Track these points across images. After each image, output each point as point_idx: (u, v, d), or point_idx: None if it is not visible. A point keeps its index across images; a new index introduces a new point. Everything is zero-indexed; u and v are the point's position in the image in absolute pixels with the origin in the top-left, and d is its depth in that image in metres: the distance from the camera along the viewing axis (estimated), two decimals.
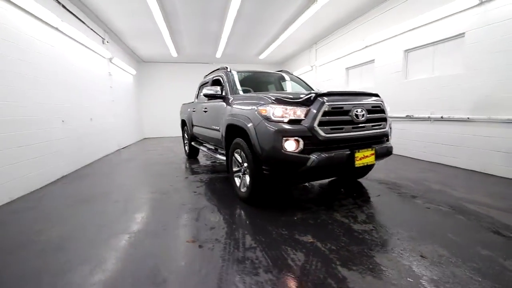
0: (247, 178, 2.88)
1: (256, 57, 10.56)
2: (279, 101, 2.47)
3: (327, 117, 2.40)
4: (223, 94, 3.60)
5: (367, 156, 2.55)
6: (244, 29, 7.15)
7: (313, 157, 2.34)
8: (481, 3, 3.74)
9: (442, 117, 4.47)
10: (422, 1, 4.72)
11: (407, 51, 5.26)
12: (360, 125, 2.58)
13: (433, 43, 4.68)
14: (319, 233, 2.22)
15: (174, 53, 9.49)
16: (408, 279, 1.59)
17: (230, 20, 6.29)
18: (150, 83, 11.29)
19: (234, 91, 3.57)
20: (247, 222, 2.50)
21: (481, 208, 2.64)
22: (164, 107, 11.45)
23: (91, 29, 6.09)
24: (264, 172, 2.60)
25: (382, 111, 2.80)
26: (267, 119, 2.45)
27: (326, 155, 2.36)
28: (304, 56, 9.77)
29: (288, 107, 2.42)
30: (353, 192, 3.25)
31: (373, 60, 6.17)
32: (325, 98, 2.42)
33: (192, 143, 5.48)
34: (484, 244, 1.99)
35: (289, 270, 1.72)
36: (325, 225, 2.37)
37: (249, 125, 2.61)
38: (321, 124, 2.37)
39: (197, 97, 5.25)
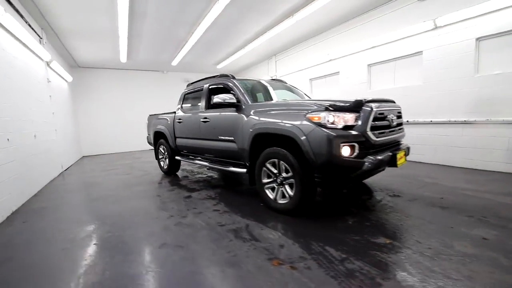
0: (288, 189, 2.78)
1: (214, 67, 10.33)
2: (331, 108, 2.48)
3: (375, 122, 2.55)
4: (237, 102, 3.40)
5: (401, 157, 2.80)
6: (213, 37, 6.93)
7: (368, 161, 2.43)
8: (435, 28, 4.64)
9: (407, 121, 5.27)
10: (383, 22, 5.53)
11: (370, 65, 6.04)
12: (393, 129, 2.83)
13: (394, 59, 5.52)
14: (388, 233, 2.30)
15: (123, 59, 8.42)
16: (504, 259, 1.81)
17: (203, 28, 6.03)
18: (89, 92, 9.64)
19: (247, 99, 3.42)
20: (310, 234, 2.37)
21: (476, 193, 3.22)
22: (107, 119, 9.96)
23: (29, 25, 4.89)
24: (316, 180, 2.55)
25: (401, 116, 3.15)
26: (322, 126, 2.43)
27: (378, 158, 2.49)
28: (263, 67, 10.08)
29: (341, 114, 2.46)
30: (371, 192, 3.49)
31: (338, 72, 6.84)
32: (372, 105, 2.57)
33: (177, 157, 4.92)
34: (509, 220, 2.43)
35: (401, 273, 1.72)
36: (384, 225, 2.48)
37: (299, 132, 2.53)
38: (371, 129, 2.50)
39: (181, 107, 4.78)
